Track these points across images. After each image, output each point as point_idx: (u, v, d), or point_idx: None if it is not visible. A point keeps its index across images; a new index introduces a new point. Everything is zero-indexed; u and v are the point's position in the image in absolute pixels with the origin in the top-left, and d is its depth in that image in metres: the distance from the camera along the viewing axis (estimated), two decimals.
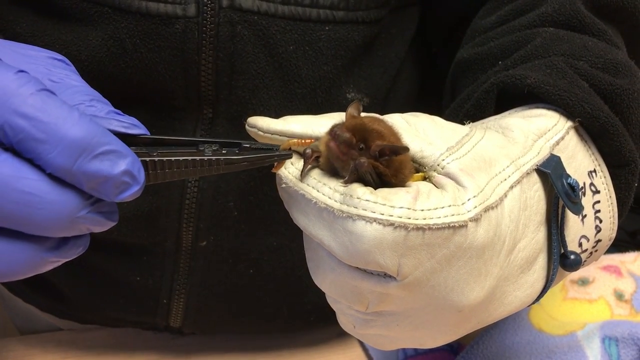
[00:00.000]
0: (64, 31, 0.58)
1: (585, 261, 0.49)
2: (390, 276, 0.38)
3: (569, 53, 0.52)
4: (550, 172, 0.44)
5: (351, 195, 0.37)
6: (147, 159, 0.38)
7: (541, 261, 0.45)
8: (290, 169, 0.40)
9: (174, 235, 0.64)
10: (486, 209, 0.39)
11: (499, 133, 0.46)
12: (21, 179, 0.35)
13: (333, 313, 0.45)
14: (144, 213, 0.63)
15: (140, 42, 0.57)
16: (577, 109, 0.48)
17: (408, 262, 0.37)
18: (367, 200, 0.37)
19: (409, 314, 0.41)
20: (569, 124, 0.48)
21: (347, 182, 0.38)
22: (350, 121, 0.39)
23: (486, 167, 0.42)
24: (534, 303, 0.47)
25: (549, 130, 0.47)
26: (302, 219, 0.40)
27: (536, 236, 0.44)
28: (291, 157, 0.41)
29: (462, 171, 0.40)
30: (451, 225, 0.38)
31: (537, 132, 0.46)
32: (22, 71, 0.35)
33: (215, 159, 0.39)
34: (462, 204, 0.39)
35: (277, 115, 0.59)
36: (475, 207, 0.39)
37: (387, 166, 0.38)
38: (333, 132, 0.38)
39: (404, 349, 0.68)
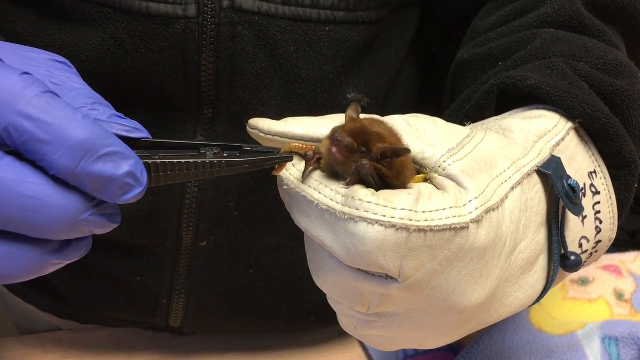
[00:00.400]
0: (64, 31, 0.58)
1: (585, 262, 0.49)
2: (391, 278, 0.38)
3: (569, 54, 0.52)
4: (551, 173, 0.44)
5: (353, 197, 0.37)
6: (150, 161, 0.39)
7: (542, 262, 0.45)
8: (291, 171, 0.40)
9: (174, 235, 0.64)
10: (487, 211, 0.40)
11: (500, 134, 0.46)
12: (24, 183, 0.35)
13: (333, 313, 0.45)
14: (144, 213, 0.63)
15: (140, 43, 0.57)
16: (578, 110, 0.48)
17: (410, 264, 0.37)
18: (369, 202, 0.37)
19: (410, 315, 0.41)
20: (569, 125, 0.48)
21: (349, 184, 0.38)
22: (350, 124, 0.39)
23: (487, 168, 0.42)
24: (534, 304, 0.47)
25: (550, 132, 0.47)
26: (303, 221, 0.40)
27: (537, 237, 0.44)
28: (292, 160, 0.41)
29: (464, 173, 0.40)
30: (453, 226, 0.38)
31: (538, 133, 0.46)
32: (26, 73, 0.35)
33: (217, 161, 0.40)
34: (464, 205, 0.39)
35: (277, 115, 0.59)
36: (477, 208, 0.39)
37: (389, 168, 0.38)
38: (334, 137, 0.38)
39: (404, 350, 0.69)
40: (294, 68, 0.59)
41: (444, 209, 0.38)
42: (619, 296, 0.66)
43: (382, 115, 0.44)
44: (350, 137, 0.38)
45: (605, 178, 0.49)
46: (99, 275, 0.68)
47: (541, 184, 0.44)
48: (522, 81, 0.50)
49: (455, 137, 0.43)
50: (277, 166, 0.41)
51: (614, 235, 0.51)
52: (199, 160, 0.39)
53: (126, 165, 0.36)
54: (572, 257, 0.46)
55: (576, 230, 0.47)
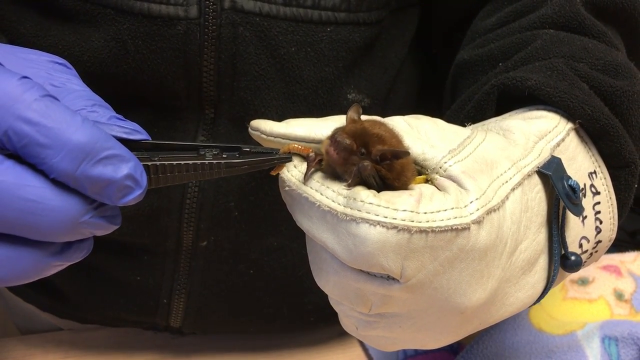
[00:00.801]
0: (67, 32, 0.58)
1: (585, 262, 0.49)
2: (393, 278, 0.38)
3: (569, 55, 0.52)
4: (551, 174, 0.44)
5: (355, 198, 0.37)
6: (149, 163, 0.39)
7: (542, 262, 0.45)
8: (293, 172, 0.41)
9: (174, 235, 0.64)
10: (488, 211, 0.40)
11: (500, 135, 0.46)
12: (24, 187, 0.35)
13: (333, 313, 0.45)
14: (144, 213, 0.63)
15: (142, 44, 0.57)
16: (578, 111, 0.48)
17: (411, 265, 0.38)
18: (370, 203, 0.37)
19: (411, 316, 0.41)
20: (570, 125, 0.48)
21: (351, 185, 0.38)
22: (350, 126, 0.39)
23: (488, 169, 0.42)
24: (534, 304, 0.47)
25: (550, 132, 0.47)
26: (305, 222, 0.40)
27: (537, 237, 0.44)
28: (291, 161, 0.41)
29: (464, 174, 0.40)
30: (454, 227, 0.38)
31: (538, 133, 0.47)
32: (25, 77, 0.35)
33: (216, 162, 0.40)
34: (465, 206, 0.39)
35: (278, 116, 0.59)
36: (478, 209, 0.39)
37: (389, 170, 0.39)
38: (333, 138, 0.38)
39: (404, 350, 0.69)
40: (295, 69, 0.59)
41: (445, 210, 0.38)
42: (619, 296, 0.67)
43: (383, 115, 0.44)
44: (350, 138, 0.38)
45: (605, 178, 0.49)
46: (100, 275, 0.68)
47: (541, 185, 0.45)
48: (522, 82, 0.50)
49: (456, 138, 0.43)
50: (275, 167, 0.41)
51: (614, 236, 0.51)
52: (198, 162, 0.40)
53: (125, 168, 0.37)
54: (573, 257, 0.46)
55: (576, 230, 0.47)
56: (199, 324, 0.70)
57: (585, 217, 0.48)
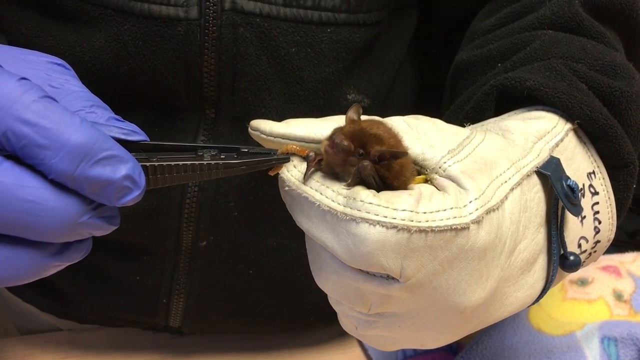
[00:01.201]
0: (68, 32, 0.58)
1: (584, 262, 0.49)
2: (392, 278, 0.39)
3: (568, 55, 0.52)
4: (550, 174, 0.44)
5: (354, 198, 0.37)
6: (148, 164, 0.39)
7: (541, 262, 0.45)
8: (293, 172, 0.41)
9: (174, 234, 0.64)
10: (487, 211, 0.40)
11: (499, 135, 0.46)
12: (23, 187, 0.35)
13: (333, 313, 0.45)
14: (144, 212, 0.63)
15: (142, 44, 0.57)
16: (576, 111, 0.48)
17: (411, 264, 0.38)
18: (370, 203, 0.37)
19: (411, 315, 0.41)
20: (568, 126, 0.48)
21: (350, 185, 0.38)
22: (349, 127, 0.40)
23: (487, 169, 0.42)
24: (533, 303, 0.47)
25: (549, 133, 0.47)
26: (305, 222, 0.40)
27: (536, 237, 0.45)
28: (289, 161, 0.41)
29: (464, 174, 0.40)
30: (453, 227, 0.38)
31: (537, 134, 0.47)
32: (24, 78, 0.36)
33: (215, 163, 0.40)
34: (464, 206, 0.39)
35: (279, 116, 0.59)
36: (477, 209, 0.39)
37: (387, 170, 0.39)
38: (332, 139, 0.38)
39: (403, 349, 0.69)
40: (295, 69, 0.59)
41: (445, 210, 0.38)
42: (618, 297, 0.67)
43: (382, 115, 0.44)
44: (349, 139, 0.38)
45: (603, 178, 0.49)
46: (99, 275, 0.68)
47: (540, 185, 0.45)
48: (521, 82, 0.50)
49: (455, 138, 0.43)
50: (273, 167, 0.42)
51: (612, 236, 0.51)
52: (197, 163, 0.40)
53: (124, 169, 0.37)
54: (571, 257, 0.46)
55: (575, 230, 0.47)
56: (198, 324, 0.70)
57: (584, 217, 0.48)
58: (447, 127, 0.44)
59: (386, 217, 0.37)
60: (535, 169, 0.44)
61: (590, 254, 0.49)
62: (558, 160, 0.46)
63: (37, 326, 0.78)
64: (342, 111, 0.43)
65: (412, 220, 0.37)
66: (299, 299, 0.70)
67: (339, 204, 0.38)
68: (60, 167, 0.35)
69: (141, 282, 0.67)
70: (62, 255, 0.38)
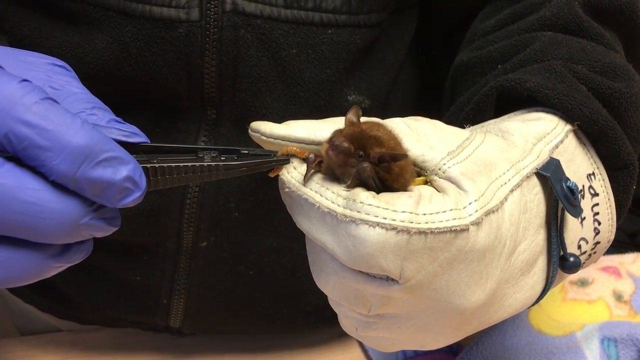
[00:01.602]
0: (70, 34, 0.58)
1: (584, 263, 0.49)
2: (392, 279, 0.39)
3: (568, 57, 0.52)
4: (550, 176, 0.44)
5: (354, 200, 0.37)
6: (148, 165, 0.39)
7: (541, 263, 0.45)
8: (293, 174, 0.41)
9: (174, 235, 0.64)
10: (487, 213, 0.40)
11: (499, 137, 0.46)
12: (24, 189, 0.35)
13: (333, 314, 0.45)
14: (145, 212, 0.63)
15: (144, 46, 0.57)
16: (576, 113, 0.48)
17: (410, 266, 0.38)
18: (370, 204, 0.37)
19: (410, 317, 0.41)
20: (568, 127, 0.48)
21: (350, 186, 0.38)
22: (348, 129, 0.40)
23: (487, 170, 0.42)
24: (533, 304, 0.47)
25: (548, 134, 0.47)
26: (305, 223, 0.40)
27: (536, 239, 0.45)
28: (289, 163, 0.41)
29: (463, 175, 0.40)
30: (453, 229, 0.38)
31: (537, 135, 0.47)
32: (25, 80, 0.36)
33: (215, 164, 0.40)
34: (464, 207, 0.39)
35: (280, 117, 0.59)
36: (477, 210, 0.39)
37: (387, 172, 0.39)
38: (331, 142, 0.39)
39: (403, 350, 0.69)
40: (296, 71, 0.59)
41: (444, 212, 0.38)
42: (618, 297, 0.67)
43: (382, 116, 0.44)
44: (348, 141, 0.38)
45: (603, 180, 0.49)
46: (99, 275, 0.68)
47: (540, 186, 0.45)
48: (520, 84, 0.50)
49: (454, 139, 0.43)
50: (273, 169, 0.42)
51: (612, 237, 0.51)
52: (197, 164, 0.40)
53: (125, 170, 0.37)
54: (571, 259, 0.46)
55: (575, 231, 0.47)
56: (199, 325, 0.70)
57: (584, 218, 0.48)
58: (446, 129, 0.45)
59: (386, 218, 0.37)
60: (535, 170, 0.44)
61: (590, 255, 0.49)
62: (558, 161, 0.46)
63: (37, 327, 0.78)
64: (342, 112, 0.43)
65: (412, 222, 0.37)
66: (299, 300, 0.70)
67: (338, 205, 0.38)
68: (62, 169, 0.35)
69: (142, 283, 0.67)
70: (63, 257, 0.38)
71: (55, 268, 0.38)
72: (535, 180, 0.44)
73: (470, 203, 0.39)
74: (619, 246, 0.66)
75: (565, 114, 0.49)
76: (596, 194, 0.49)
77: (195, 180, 0.40)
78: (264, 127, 0.42)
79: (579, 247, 0.48)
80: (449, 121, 0.48)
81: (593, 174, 0.49)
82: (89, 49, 0.58)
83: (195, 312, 0.69)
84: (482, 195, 0.40)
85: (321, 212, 0.38)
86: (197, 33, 0.56)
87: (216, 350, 0.73)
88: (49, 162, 0.35)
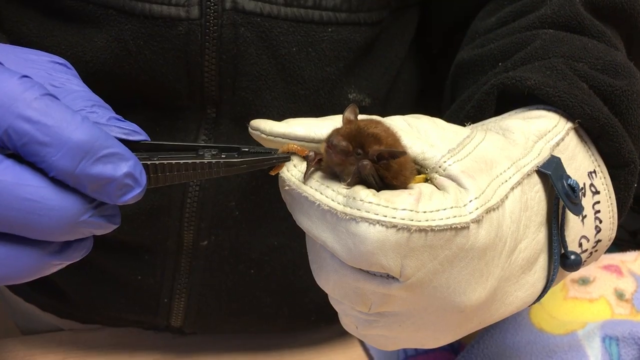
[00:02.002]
0: (70, 32, 0.58)
1: (585, 261, 0.49)
2: (392, 277, 0.39)
3: (569, 55, 0.52)
4: (551, 173, 0.44)
5: (354, 198, 0.37)
6: (149, 162, 0.39)
7: (542, 261, 0.45)
8: (293, 172, 0.41)
9: (175, 234, 0.64)
10: (488, 211, 0.40)
11: (500, 134, 0.46)
12: (24, 186, 0.35)
13: (334, 313, 0.45)
14: (145, 211, 0.63)
15: (144, 44, 0.57)
16: (577, 110, 0.48)
17: (411, 264, 0.38)
18: (370, 202, 0.37)
19: (411, 315, 0.41)
20: (569, 125, 0.48)
21: (350, 184, 0.38)
22: (346, 127, 0.40)
23: (487, 168, 0.42)
24: (534, 303, 0.47)
25: (549, 132, 0.47)
26: (305, 221, 0.40)
27: (537, 237, 0.44)
28: (289, 160, 0.41)
29: (464, 173, 0.40)
30: (453, 226, 0.38)
31: (538, 133, 0.47)
32: (25, 76, 0.36)
33: (215, 162, 0.40)
34: (464, 205, 0.39)
35: (280, 116, 0.59)
36: (477, 208, 0.39)
37: (386, 169, 0.39)
38: (329, 141, 0.38)
39: (404, 349, 0.69)
40: (296, 69, 0.59)
41: (445, 209, 0.38)
42: (620, 296, 0.66)
43: (383, 115, 0.44)
44: (346, 140, 0.38)
45: (604, 178, 0.49)
46: (100, 274, 0.68)
47: (541, 184, 0.45)
48: (521, 82, 0.50)
49: (455, 137, 0.43)
50: (274, 166, 0.42)
51: (613, 235, 0.51)
52: (197, 161, 0.40)
53: (125, 166, 0.37)
54: (572, 257, 0.46)
55: (576, 229, 0.47)
56: (200, 324, 0.70)
57: (585, 216, 0.48)
58: (447, 126, 0.44)
59: (386, 216, 0.37)
60: (535, 168, 0.44)
61: (591, 253, 0.49)
62: (559, 159, 0.46)
63: (38, 326, 0.78)
64: (343, 111, 0.43)
65: (412, 220, 0.37)
66: (300, 299, 0.70)
67: (338, 203, 0.38)
68: (62, 165, 0.35)
69: (142, 282, 0.67)
70: (63, 254, 0.38)
71: (54, 265, 0.38)
72: (536, 178, 0.44)
73: (471, 201, 0.39)
74: (620, 244, 0.66)
75: (566, 112, 0.49)
76: (597, 192, 0.48)
77: (196, 178, 0.40)
78: (264, 125, 0.42)
79: (580, 245, 0.48)
80: (449, 119, 0.48)
81: (594, 171, 0.49)
82: (89, 47, 0.58)
83: (196, 311, 0.69)
84: (482, 193, 0.40)
85: (321, 210, 0.38)
86: (197, 31, 0.56)
87: (217, 349, 0.73)
88: (49, 158, 0.35)
